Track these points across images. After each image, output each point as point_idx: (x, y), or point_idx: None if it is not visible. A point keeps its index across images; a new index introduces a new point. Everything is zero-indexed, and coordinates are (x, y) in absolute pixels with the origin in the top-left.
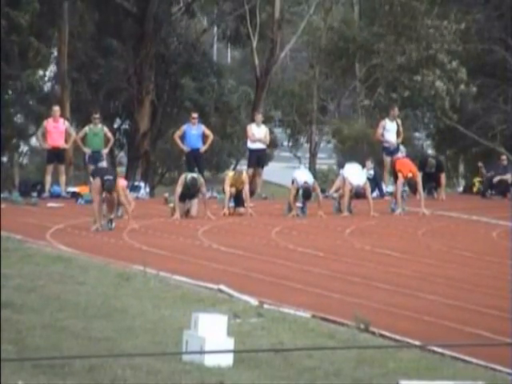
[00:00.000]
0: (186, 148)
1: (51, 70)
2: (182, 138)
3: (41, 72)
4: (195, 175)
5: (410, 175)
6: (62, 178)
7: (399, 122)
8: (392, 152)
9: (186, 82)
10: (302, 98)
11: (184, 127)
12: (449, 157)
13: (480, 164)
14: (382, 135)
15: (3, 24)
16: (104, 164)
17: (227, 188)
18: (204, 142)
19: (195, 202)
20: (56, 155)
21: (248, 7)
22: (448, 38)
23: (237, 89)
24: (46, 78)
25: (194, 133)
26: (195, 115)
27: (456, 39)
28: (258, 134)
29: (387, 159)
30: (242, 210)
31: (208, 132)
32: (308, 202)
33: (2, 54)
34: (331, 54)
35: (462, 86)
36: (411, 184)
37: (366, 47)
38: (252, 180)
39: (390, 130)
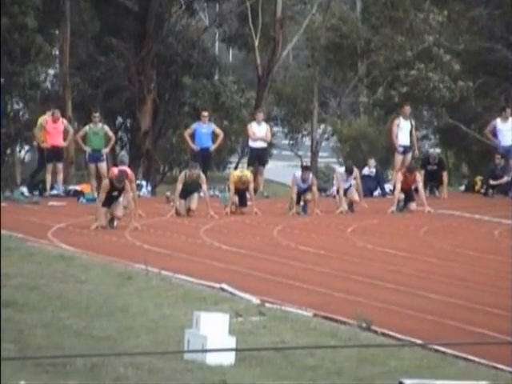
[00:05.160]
0: (195, 147)
1: (53, 68)
2: (192, 136)
3: (43, 69)
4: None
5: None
6: (60, 176)
7: (413, 122)
8: (404, 151)
9: (188, 81)
10: (303, 96)
11: (194, 125)
12: (450, 155)
13: (478, 178)
14: (397, 136)
15: (6, 23)
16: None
17: (232, 186)
18: (214, 141)
19: (195, 195)
20: (55, 154)
21: (249, 5)
22: (437, 29)
23: (238, 87)
24: (48, 77)
25: (204, 131)
26: (206, 113)
27: (444, 30)
28: (258, 132)
29: (399, 158)
30: (244, 208)
31: (218, 131)
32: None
33: (3, 51)
34: (331, 51)
35: (461, 82)
36: (409, 191)
37: (365, 44)
38: (254, 179)
39: (403, 129)
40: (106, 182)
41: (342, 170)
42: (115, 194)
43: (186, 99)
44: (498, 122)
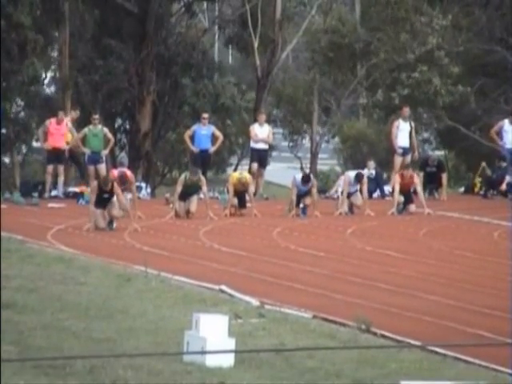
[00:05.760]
0: (194, 148)
1: (52, 70)
2: (192, 137)
3: (41, 65)
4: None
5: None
6: (61, 179)
7: (413, 124)
8: (404, 153)
9: (187, 82)
10: (302, 98)
11: (194, 127)
12: (450, 157)
13: (483, 164)
14: (396, 137)
15: (4, 23)
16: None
17: (231, 188)
18: (213, 143)
19: (195, 198)
20: (56, 156)
21: (249, 7)
22: (440, 32)
23: (238, 88)
24: (47, 80)
25: (204, 133)
26: (206, 115)
27: (446, 33)
28: (260, 133)
29: (398, 159)
30: (244, 210)
31: (218, 133)
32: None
33: (2, 51)
34: (331, 51)
35: (460, 87)
36: (408, 193)
37: (365, 46)
38: (254, 180)
39: (403, 130)
40: (93, 185)
41: (352, 174)
42: (106, 195)
43: (185, 98)
44: (506, 123)
